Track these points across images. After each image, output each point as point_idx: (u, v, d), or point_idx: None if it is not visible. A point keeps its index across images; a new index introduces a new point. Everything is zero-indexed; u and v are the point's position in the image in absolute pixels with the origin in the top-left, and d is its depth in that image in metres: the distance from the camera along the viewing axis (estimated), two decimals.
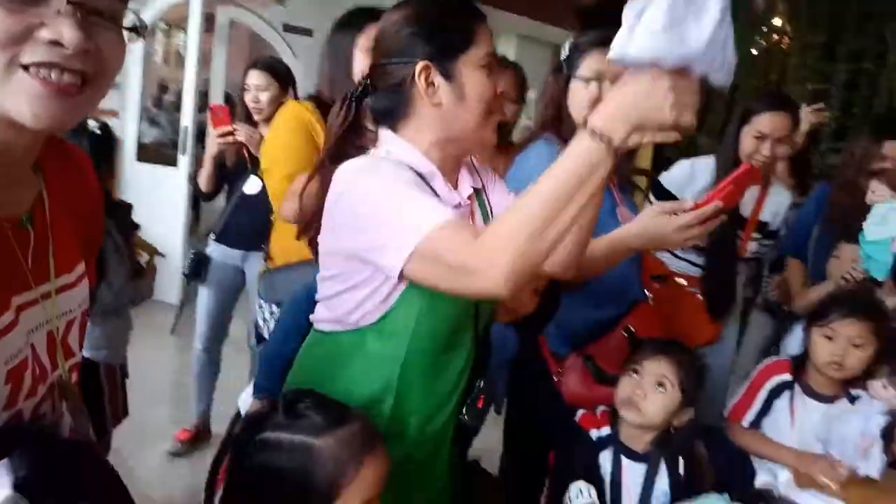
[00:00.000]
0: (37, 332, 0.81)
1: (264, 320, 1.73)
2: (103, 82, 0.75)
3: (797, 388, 1.90)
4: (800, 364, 1.92)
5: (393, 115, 1.19)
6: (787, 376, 1.92)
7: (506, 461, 1.97)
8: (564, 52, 1.77)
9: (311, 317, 1.28)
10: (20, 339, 0.78)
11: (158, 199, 4.50)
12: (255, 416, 1.03)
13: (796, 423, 1.87)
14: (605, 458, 1.63)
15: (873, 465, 1.71)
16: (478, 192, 1.31)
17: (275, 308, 1.73)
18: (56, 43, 0.68)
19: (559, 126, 1.77)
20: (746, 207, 2.29)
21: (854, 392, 1.86)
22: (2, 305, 0.75)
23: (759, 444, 1.88)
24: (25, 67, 0.68)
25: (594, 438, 1.64)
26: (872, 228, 2.09)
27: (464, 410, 1.25)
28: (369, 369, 1.19)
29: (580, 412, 1.70)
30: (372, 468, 0.99)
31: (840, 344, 1.79)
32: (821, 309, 1.89)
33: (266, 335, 1.77)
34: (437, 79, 1.14)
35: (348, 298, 1.17)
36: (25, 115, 0.70)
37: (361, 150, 1.21)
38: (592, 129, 0.92)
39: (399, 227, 1.04)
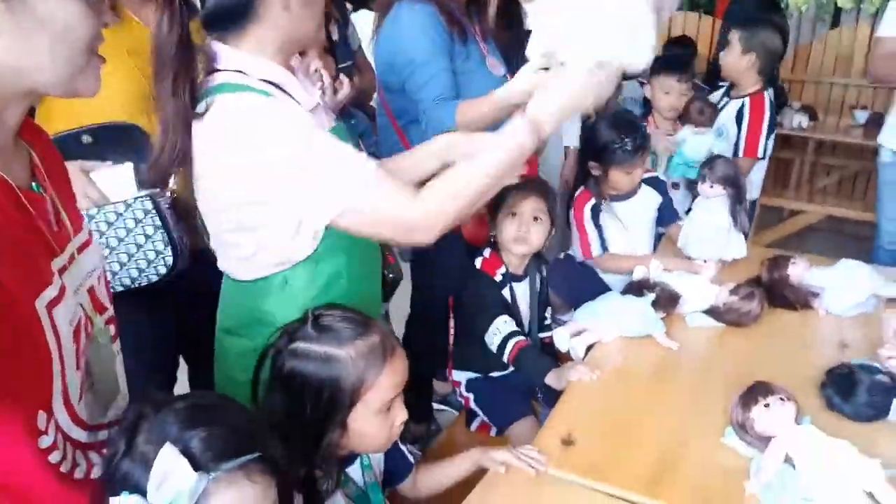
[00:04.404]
0: (80, 292, 0.85)
1: None
2: None
3: (606, 203, 2.17)
4: (594, 183, 2.18)
5: (234, 19, 1.09)
6: (593, 199, 2.17)
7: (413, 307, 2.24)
8: None
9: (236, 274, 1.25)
10: (73, 301, 0.82)
11: None
12: (288, 328, 1.13)
13: (628, 227, 2.19)
14: (505, 290, 1.86)
15: (736, 249, 2.08)
16: None
17: None
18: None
19: None
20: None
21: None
22: (47, 276, 0.78)
23: (617, 262, 2.16)
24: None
25: (497, 280, 1.85)
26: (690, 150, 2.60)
27: (385, 272, 1.40)
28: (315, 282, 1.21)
29: (478, 259, 1.88)
30: (390, 374, 1.09)
31: None
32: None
33: None
34: None
35: (281, 241, 1.15)
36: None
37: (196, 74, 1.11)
38: (532, 123, 1.14)
39: (326, 186, 1.07)
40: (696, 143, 2.59)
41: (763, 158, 2.67)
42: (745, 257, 2.08)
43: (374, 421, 1.10)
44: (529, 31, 2.34)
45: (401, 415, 1.13)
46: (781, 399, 1.24)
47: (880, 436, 1.32)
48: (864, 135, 4.29)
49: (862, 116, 4.54)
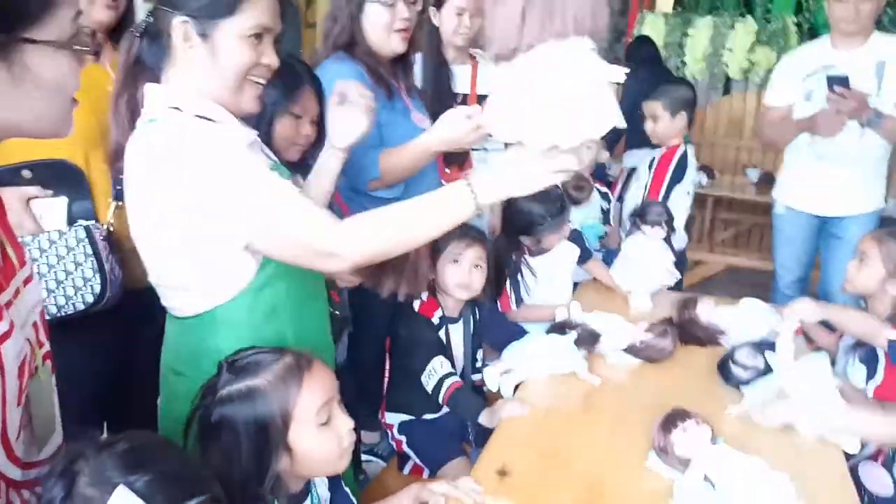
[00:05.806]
0: (25, 327, 0.84)
1: None
2: None
3: (525, 260, 2.30)
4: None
5: (157, 61, 1.19)
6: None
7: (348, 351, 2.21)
8: None
9: (172, 308, 1.24)
10: (20, 336, 0.81)
11: None
12: (208, 385, 1.12)
13: (548, 281, 2.31)
14: (442, 332, 1.93)
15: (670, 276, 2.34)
16: None
17: None
18: None
19: (353, 48, 1.87)
20: (462, 84, 2.48)
21: None
22: None
23: (531, 312, 2.27)
24: None
25: (435, 322, 1.93)
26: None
27: (331, 309, 1.41)
28: (258, 323, 1.21)
29: (416, 302, 1.93)
30: (310, 384, 1.10)
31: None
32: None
33: None
34: (194, 36, 1.14)
35: (214, 269, 1.16)
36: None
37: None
38: (474, 196, 1.12)
39: (242, 203, 1.09)
40: (590, 211, 3.04)
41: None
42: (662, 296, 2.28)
43: (318, 436, 1.10)
44: (456, 94, 2.45)
45: (345, 423, 1.14)
46: (696, 422, 1.34)
47: (786, 449, 1.43)
48: (757, 191, 4.67)
49: (754, 175, 4.93)
